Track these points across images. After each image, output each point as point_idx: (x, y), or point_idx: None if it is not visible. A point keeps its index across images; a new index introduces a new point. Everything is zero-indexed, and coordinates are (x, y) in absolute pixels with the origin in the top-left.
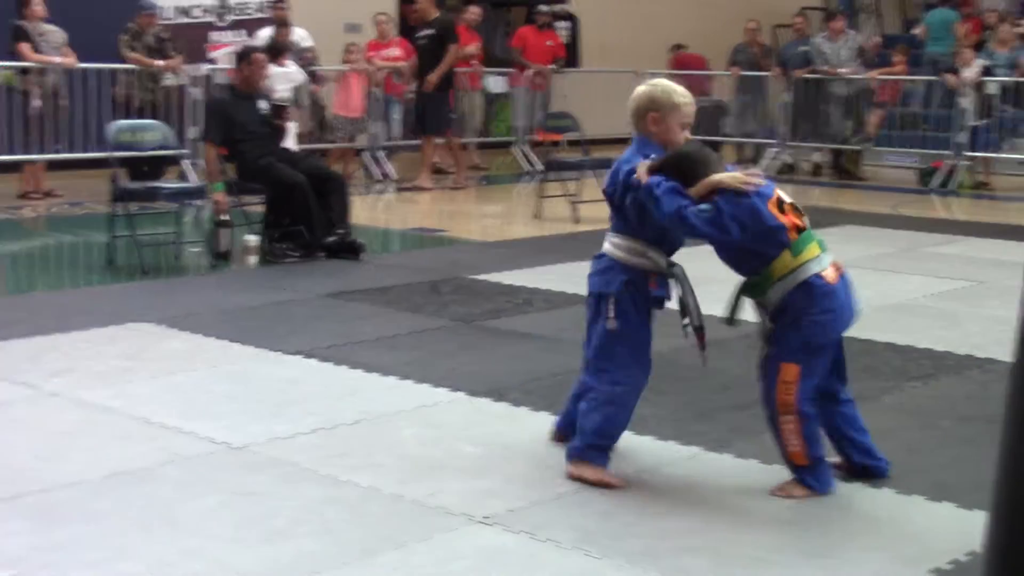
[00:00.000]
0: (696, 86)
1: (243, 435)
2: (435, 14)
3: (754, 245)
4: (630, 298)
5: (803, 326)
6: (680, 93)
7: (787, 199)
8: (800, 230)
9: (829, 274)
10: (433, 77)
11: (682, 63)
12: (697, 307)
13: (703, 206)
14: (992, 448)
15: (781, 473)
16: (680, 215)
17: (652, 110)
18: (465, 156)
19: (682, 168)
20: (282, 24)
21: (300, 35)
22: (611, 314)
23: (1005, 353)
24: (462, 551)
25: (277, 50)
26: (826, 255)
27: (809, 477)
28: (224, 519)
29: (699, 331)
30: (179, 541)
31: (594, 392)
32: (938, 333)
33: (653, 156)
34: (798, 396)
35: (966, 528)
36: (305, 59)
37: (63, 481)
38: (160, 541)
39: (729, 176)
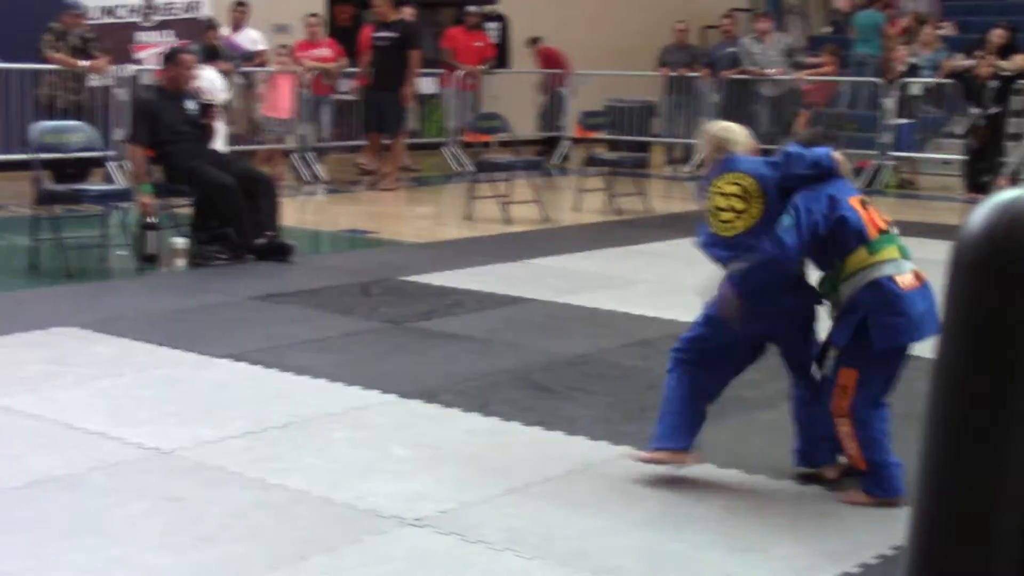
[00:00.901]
0: (559, 81)
1: (171, 440)
2: (394, 16)
3: (832, 235)
4: None
5: (870, 330)
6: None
7: (870, 201)
8: (882, 232)
9: (906, 279)
10: (407, 90)
11: (544, 57)
12: None
13: (784, 219)
14: (916, 444)
15: (712, 471)
16: (779, 245)
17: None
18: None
19: None
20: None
21: (252, 37)
22: None
23: (928, 350)
24: (393, 554)
25: (210, 53)
26: (907, 262)
27: (871, 483)
28: (152, 525)
29: None
30: (106, 549)
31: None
32: None
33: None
34: (853, 402)
35: (892, 523)
36: (260, 62)
37: None
38: (86, 549)
39: None
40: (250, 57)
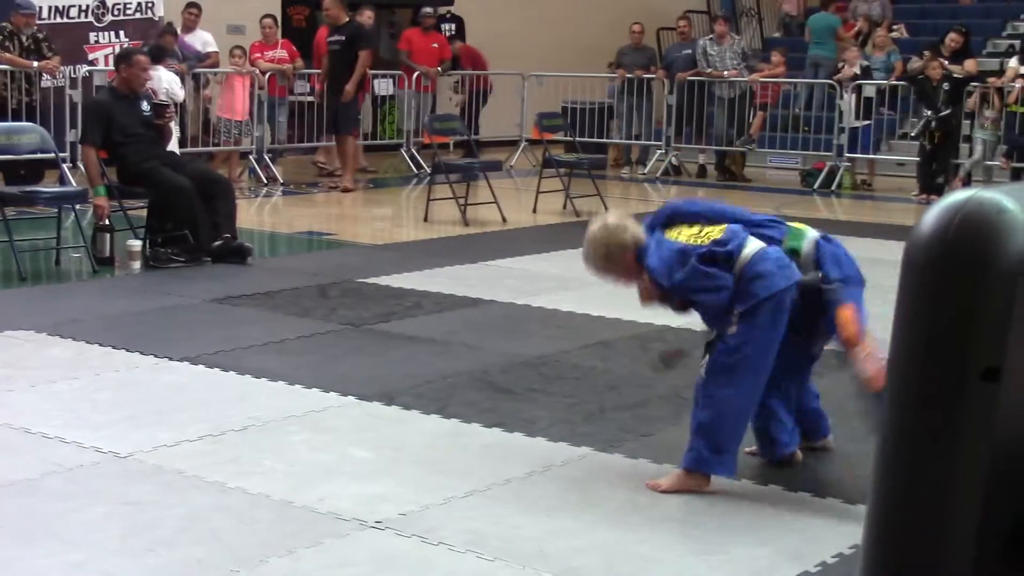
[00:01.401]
0: (484, 83)
1: (128, 444)
2: (345, 19)
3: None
4: None
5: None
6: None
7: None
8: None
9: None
10: (349, 87)
11: (465, 56)
12: None
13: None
14: (871, 444)
15: (670, 471)
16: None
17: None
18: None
19: None
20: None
21: (204, 39)
22: None
23: (884, 350)
24: (354, 556)
25: (160, 53)
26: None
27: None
28: (110, 529)
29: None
30: (63, 554)
31: None
32: None
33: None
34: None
35: (849, 523)
36: (211, 63)
37: None
38: (43, 554)
39: None
40: (203, 59)
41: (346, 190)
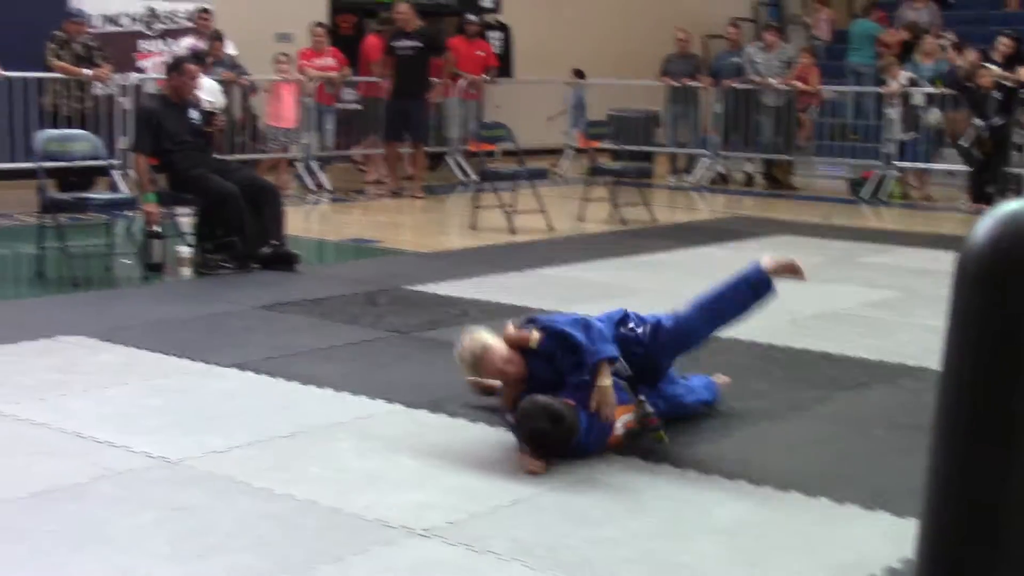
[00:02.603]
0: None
1: (177, 449)
2: (416, 24)
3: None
4: None
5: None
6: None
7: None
8: None
9: None
10: (435, 93)
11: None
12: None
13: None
14: (924, 456)
15: (718, 483)
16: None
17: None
18: (401, 166)
19: None
20: (215, 37)
21: (229, 47)
22: None
23: (936, 362)
24: (400, 564)
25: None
26: None
27: None
28: (158, 535)
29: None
30: (112, 558)
31: None
32: (870, 342)
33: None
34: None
35: (900, 536)
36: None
37: None
38: (92, 559)
39: None
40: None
41: (416, 197)
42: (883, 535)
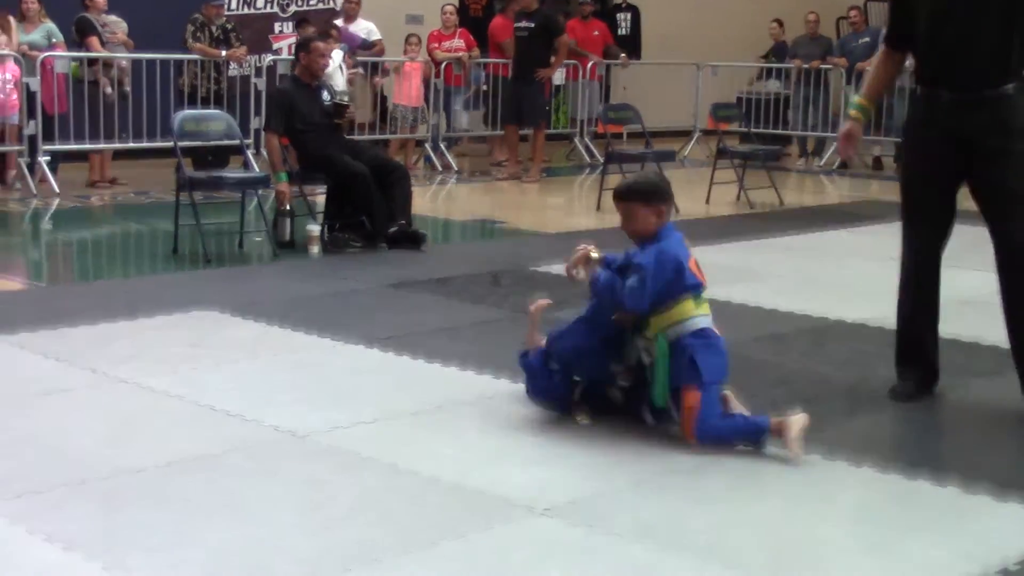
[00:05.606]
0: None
1: (305, 423)
2: (536, 6)
3: (671, 290)
4: None
5: (698, 366)
6: None
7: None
8: (703, 287)
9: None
10: (550, 71)
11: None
12: None
13: (632, 280)
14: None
15: (843, 467)
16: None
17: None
18: (523, 148)
19: None
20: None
21: (367, 28)
22: None
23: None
24: (522, 542)
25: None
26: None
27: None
28: (286, 507)
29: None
30: (241, 528)
31: None
32: (1002, 331)
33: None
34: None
35: None
36: (376, 52)
37: (127, 467)
38: (222, 528)
39: None
40: (368, 47)
41: (530, 181)
42: (1014, 525)
